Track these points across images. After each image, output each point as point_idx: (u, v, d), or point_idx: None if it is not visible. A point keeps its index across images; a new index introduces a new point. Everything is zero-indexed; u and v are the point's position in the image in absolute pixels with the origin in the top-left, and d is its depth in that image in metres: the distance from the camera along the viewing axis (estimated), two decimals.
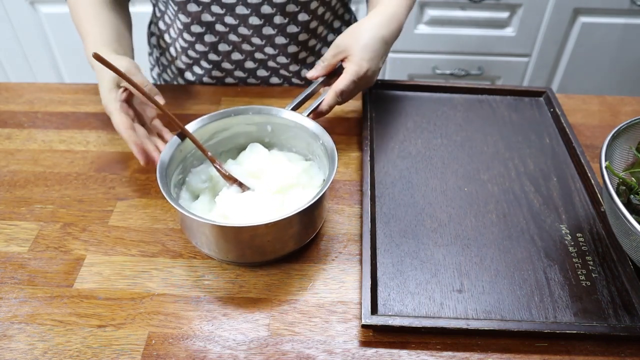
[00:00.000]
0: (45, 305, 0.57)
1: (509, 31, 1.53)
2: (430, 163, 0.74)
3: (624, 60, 1.58)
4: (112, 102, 0.66)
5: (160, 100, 0.65)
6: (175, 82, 0.98)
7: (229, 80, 0.92)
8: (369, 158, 0.71)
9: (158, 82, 1.03)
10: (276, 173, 0.64)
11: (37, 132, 0.81)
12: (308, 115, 0.67)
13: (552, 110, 0.84)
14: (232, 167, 0.66)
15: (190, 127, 0.64)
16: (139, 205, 0.69)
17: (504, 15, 1.50)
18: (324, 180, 0.62)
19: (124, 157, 0.76)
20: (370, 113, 0.80)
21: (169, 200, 0.55)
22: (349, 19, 0.96)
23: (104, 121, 0.83)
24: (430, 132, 0.80)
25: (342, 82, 0.69)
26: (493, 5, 1.49)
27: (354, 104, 0.86)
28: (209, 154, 0.63)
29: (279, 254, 0.60)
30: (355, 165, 0.75)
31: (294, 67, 0.90)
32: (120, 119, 0.65)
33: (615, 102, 0.89)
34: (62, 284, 0.59)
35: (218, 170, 0.63)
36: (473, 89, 0.88)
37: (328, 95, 0.70)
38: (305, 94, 0.71)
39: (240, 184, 0.64)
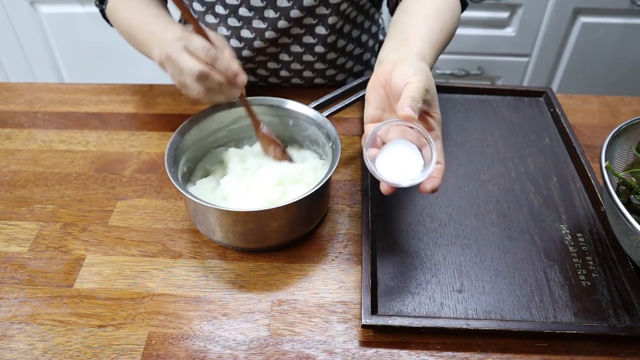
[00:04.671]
0: (45, 305, 0.57)
1: (509, 31, 1.53)
2: None
3: (624, 60, 1.58)
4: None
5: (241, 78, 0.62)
6: None
7: (250, 78, 0.92)
8: None
9: None
10: (280, 167, 0.66)
11: (37, 132, 0.81)
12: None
13: (552, 110, 0.84)
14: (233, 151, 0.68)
15: (213, 109, 0.68)
16: (139, 205, 0.69)
17: (504, 15, 1.50)
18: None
19: (124, 157, 0.76)
20: None
21: (168, 175, 0.58)
22: (369, 27, 0.93)
23: (104, 121, 0.83)
24: None
25: (442, 153, 0.53)
26: (493, 5, 1.49)
27: (354, 105, 0.85)
28: (257, 118, 0.67)
29: (268, 243, 0.61)
30: (355, 165, 0.75)
31: (307, 74, 0.89)
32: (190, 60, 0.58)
33: (615, 102, 0.89)
34: (62, 284, 0.59)
35: (263, 134, 0.66)
36: (473, 89, 0.88)
37: (439, 173, 0.52)
38: (330, 96, 0.71)
39: (283, 151, 0.66)
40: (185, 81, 0.60)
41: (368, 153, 0.52)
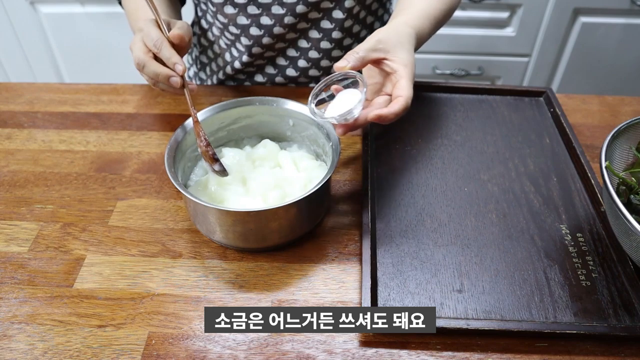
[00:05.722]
0: (45, 305, 0.57)
1: (509, 31, 1.53)
2: (430, 163, 0.74)
3: (624, 60, 1.58)
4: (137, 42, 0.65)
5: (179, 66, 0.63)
6: (209, 81, 1.00)
7: (258, 78, 0.94)
8: (368, 158, 0.71)
9: (194, 81, 1.05)
10: (269, 172, 0.65)
11: (37, 132, 0.81)
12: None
13: (552, 110, 0.84)
14: (231, 153, 0.68)
15: (213, 109, 0.67)
16: (139, 205, 0.69)
17: (504, 15, 1.50)
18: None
19: (124, 157, 0.76)
20: None
21: (169, 175, 0.58)
22: (382, 15, 0.95)
23: (104, 121, 0.83)
24: (430, 132, 0.80)
25: (406, 88, 0.59)
26: (493, 5, 1.49)
27: None
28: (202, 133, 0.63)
29: (268, 243, 0.61)
30: (356, 165, 0.75)
31: (325, 63, 0.90)
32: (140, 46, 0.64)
33: (615, 102, 0.89)
34: (62, 284, 0.59)
35: (203, 147, 0.63)
36: (473, 89, 0.88)
37: (396, 104, 0.58)
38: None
39: (222, 168, 0.63)
40: (137, 69, 0.66)
41: (313, 105, 0.60)
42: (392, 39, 0.61)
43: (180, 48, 0.65)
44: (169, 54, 0.63)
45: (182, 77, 0.63)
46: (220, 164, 0.62)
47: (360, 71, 0.62)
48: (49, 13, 1.58)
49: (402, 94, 0.58)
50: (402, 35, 0.63)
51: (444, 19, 0.74)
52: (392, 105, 0.58)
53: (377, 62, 0.62)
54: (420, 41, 0.68)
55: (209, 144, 0.62)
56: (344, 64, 0.59)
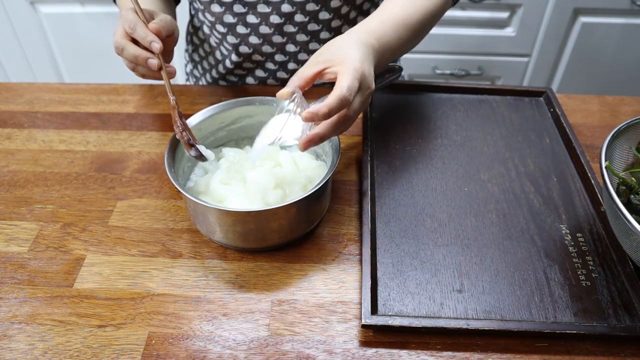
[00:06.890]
0: (45, 305, 0.57)
1: (509, 31, 1.53)
2: (430, 163, 0.74)
3: (624, 60, 1.58)
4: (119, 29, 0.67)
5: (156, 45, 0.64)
6: (203, 79, 1.00)
7: (249, 80, 0.93)
8: (369, 158, 0.71)
9: (190, 80, 1.05)
10: (270, 170, 0.65)
11: (37, 132, 0.81)
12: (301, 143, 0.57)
13: (552, 110, 0.84)
14: (231, 153, 0.68)
15: (212, 109, 0.68)
16: (139, 205, 0.69)
17: (504, 15, 1.50)
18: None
19: (124, 157, 0.76)
20: (370, 113, 0.80)
21: (169, 175, 0.58)
22: (377, 1, 0.93)
23: (104, 121, 0.83)
24: (430, 132, 0.80)
25: (342, 81, 0.55)
26: (493, 5, 1.49)
27: None
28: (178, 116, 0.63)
29: (268, 243, 0.61)
30: (355, 165, 0.75)
31: None
32: (121, 31, 0.66)
33: (615, 102, 0.89)
34: (62, 284, 0.59)
35: (180, 132, 0.62)
36: (473, 89, 0.88)
37: (329, 97, 0.54)
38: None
39: (198, 153, 0.63)
40: (116, 53, 0.67)
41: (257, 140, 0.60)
42: (332, 48, 0.59)
43: (163, 42, 0.65)
44: (144, 33, 0.64)
45: (160, 58, 0.64)
46: (196, 149, 0.62)
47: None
48: (49, 13, 1.58)
49: (336, 86, 0.54)
50: (346, 40, 0.60)
51: (418, 23, 0.69)
52: (326, 99, 0.54)
53: (323, 75, 0.58)
54: (382, 43, 0.64)
55: (184, 130, 0.62)
56: (286, 90, 0.56)
